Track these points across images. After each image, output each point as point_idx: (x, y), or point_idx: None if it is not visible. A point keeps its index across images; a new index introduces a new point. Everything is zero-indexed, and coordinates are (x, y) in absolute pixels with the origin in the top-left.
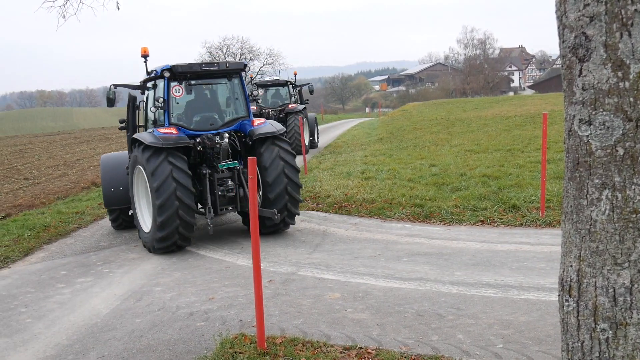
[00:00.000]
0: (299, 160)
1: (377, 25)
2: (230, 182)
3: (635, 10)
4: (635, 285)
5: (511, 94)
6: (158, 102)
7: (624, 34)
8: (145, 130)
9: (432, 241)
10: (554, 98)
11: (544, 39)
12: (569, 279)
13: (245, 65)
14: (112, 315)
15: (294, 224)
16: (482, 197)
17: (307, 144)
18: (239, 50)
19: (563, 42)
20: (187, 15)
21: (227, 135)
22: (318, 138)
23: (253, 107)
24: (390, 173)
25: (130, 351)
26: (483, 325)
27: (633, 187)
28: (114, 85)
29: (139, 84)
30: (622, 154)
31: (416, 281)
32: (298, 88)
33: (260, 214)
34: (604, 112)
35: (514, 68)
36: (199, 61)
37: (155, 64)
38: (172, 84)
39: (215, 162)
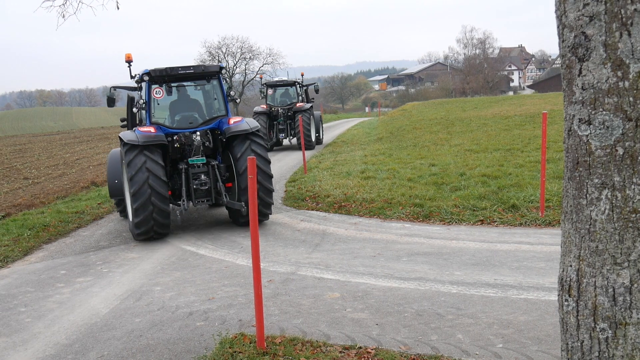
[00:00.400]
0: (298, 160)
1: (376, 25)
2: (203, 177)
3: (635, 9)
4: (635, 285)
5: (511, 93)
6: (139, 103)
7: (624, 33)
8: None
9: (431, 241)
10: (554, 97)
11: (543, 38)
12: (568, 279)
13: (222, 68)
14: (112, 315)
15: (270, 213)
16: (481, 196)
17: (313, 140)
18: (239, 50)
19: (563, 41)
20: (186, 15)
21: (198, 133)
22: (323, 134)
23: (263, 106)
24: (389, 173)
25: (129, 351)
26: (482, 325)
27: (633, 186)
28: (113, 87)
29: (136, 86)
30: (621, 153)
31: (416, 281)
32: (304, 88)
33: (230, 207)
34: (604, 112)
35: (513, 67)
36: (178, 65)
37: (155, 64)
38: (154, 86)
39: (188, 158)
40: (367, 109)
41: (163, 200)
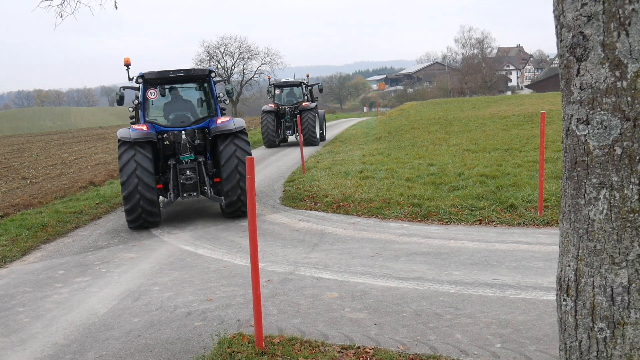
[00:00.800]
0: (297, 160)
1: (375, 25)
2: (188, 172)
3: (633, 9)
4: (633, 285)
5: (509, 93)
6: (133, 103)
7: (622, 33)
8: None
9: (430, 241)
10: (552, 97)
11: (541, 38)
12: (566, 279)
13: (211, 72)
14: (110, 315)
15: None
16: (479, 196)
17: (317, 136)
18: (237, 50)
19: (561, 41)
20: (186, 15)
21: (184, 132)
22: (326, 132)
23: (271, 105)
24: (388, 172)
25: (128, 351)
26: (481, 325)
27: (631, 186)
28: (123, 87)
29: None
30: (619, 153)
31: (414, 281)
32: (309, 87)
33: (213, 200)
34: (602, 112)
35: (511, 67)
36: (171, 68)
37: (153, 64)
38: (148, 88)
39: (179, 155)
40: (365, 109)
41: (150, 190)
